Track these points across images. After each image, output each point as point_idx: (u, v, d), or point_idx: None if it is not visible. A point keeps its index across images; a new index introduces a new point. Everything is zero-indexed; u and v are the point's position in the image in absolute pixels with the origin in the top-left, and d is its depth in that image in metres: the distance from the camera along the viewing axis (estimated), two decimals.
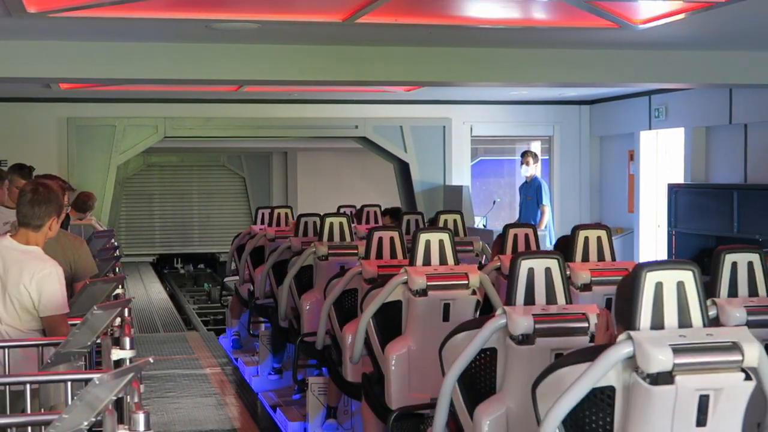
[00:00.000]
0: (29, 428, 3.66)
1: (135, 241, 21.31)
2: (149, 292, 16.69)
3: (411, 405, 4.70)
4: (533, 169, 12.15)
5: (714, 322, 3.48)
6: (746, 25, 7.00)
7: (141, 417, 2.91)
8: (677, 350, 2.61)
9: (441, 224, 6.56)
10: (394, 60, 7.94)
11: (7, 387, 3.89)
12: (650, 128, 11.93)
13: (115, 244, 7.97)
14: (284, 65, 7.84)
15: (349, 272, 5.73)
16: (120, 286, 5.65)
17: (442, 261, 4.93)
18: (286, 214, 9.05)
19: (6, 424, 3.37)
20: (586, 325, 3.52)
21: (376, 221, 8.81)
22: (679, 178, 11.32)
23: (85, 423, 2.70)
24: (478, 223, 12.79)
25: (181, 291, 17.84)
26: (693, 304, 2.78)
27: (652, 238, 12.07)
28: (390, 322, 4.96)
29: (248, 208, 20.31)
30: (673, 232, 10.50)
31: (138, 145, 12.62)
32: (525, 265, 3.65)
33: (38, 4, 6.04)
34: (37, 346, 4.46)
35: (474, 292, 4.73)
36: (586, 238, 4.89)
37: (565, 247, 5.25)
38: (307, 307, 6.66)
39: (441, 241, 4.92)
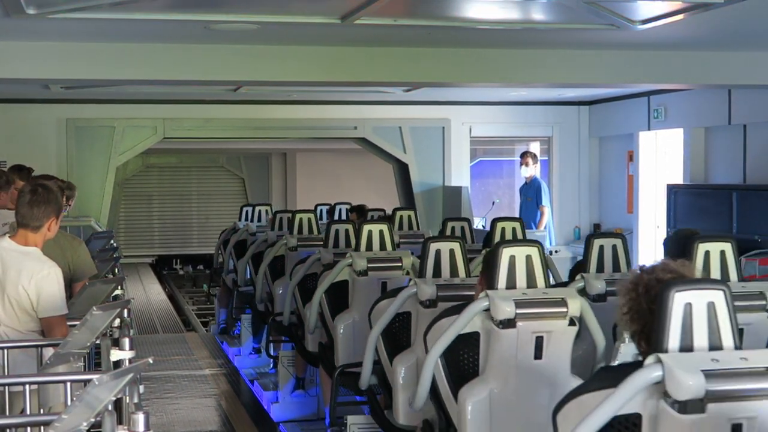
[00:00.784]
0: (29, 429, 3.66)
1: (134, 242, 21.30)
2: (148, 293, 16.69)
3: (351, 363, 5.41)
4: (533, 170, 12.15)
5: None
6: (745, 26, 7.01)
7: (140, 418, 2.92)
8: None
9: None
10: (392, 61, 7.94)
11: (7, 388, 3.89)
12: (649, 129, 11.93)
13: (114, 245, 7.97)
14: (283, 66, 7.84)
15: (309, 258, 6.67)
16: (119, 287, 5.65)
17: (383, 247, 5.90)
18: (266, 210, 10.47)
19: (5, 425, 3.37)
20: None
21: (347, 216, 10.00)
22: (678, 179, 11.32)
23: (85, 424, 2.70)
24: (478, 224, 12.79)
25: (180, 292, 17.83)
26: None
27: (652, 239, 12.07)
28: (340, 298, 5.79)
29: None
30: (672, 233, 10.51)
31: (137, 146, 12.62)
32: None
33: (37, 5, 6.04)
34: (36, 346, 4.46)
35: (408, 273, 5.66)
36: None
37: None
38: (279, 291, 7.53)
39: (381, 231, 5.85)
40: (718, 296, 2.62)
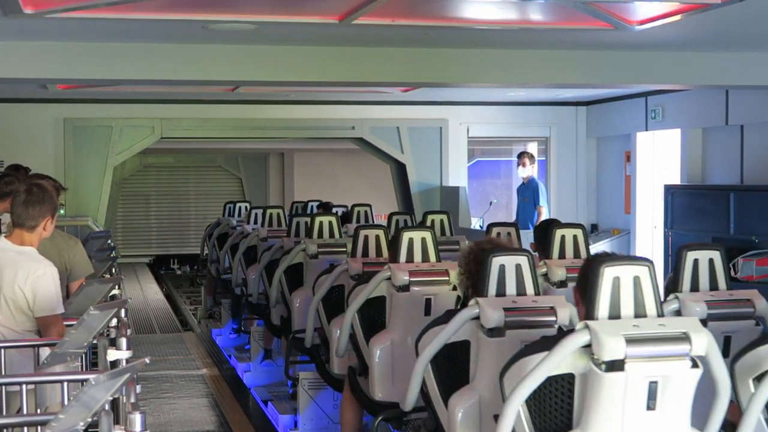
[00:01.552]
0: (25, 429, 3.66)
1: (131, 242, 21.29)
2: (146, 292, 16.68)
3: (301, 329, 5.93)
4: (530, 171, 12.15)
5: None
6: (743, 27, 7.01)
7: (137, 417, 2.92)
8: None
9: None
10: (390, 61, 7.94)
11: (3, 387, 3.89)
12: (647, 129, 11.93)
13: (112, 244, 7.97)
14: (281, 66, 7.84)
15: (273, 248, 7.80)
16: (116, 287, 5.65)
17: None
18: (246, 206, 11.69)
19: (2, 425, 3.37)
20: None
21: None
22: (676, 179, 11.33)
23: (82, 423, 2.70)
24: (475, 224, 12.79)
25: (178, 292, 17.83)
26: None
27: (649, 239, 12.08)
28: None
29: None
30: (670, 233, 10.50)
31: (134, 146, 12.61)
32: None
33: (35, 5, 6.03)
34: (32, 346, 4.46)
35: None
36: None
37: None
38: (252, 276, 8.32)
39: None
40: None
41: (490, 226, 6.57)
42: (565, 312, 3.71)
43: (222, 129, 12.97)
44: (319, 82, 8.43)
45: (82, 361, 4.38)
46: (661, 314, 3.08)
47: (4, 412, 3.91)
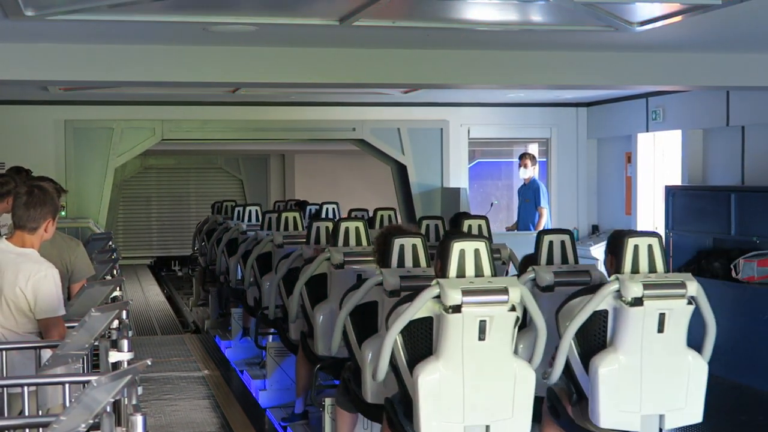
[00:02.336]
0: (27, 430, 3.66)
1: (132, 244, 21.29)
2: (147, 294, 16.68)
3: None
4: (531, 172, 12.15)
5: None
6: (743, 28, 7.01)
7: (138, 419, 2.92)
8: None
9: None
10: (391, 62, 7.94)
11: (5, 389, 3.89)
12: (647, 130, 11.93)
13: (113, 246, 7.98)
14: (281, 68, 7.84)
15: (250, 238, 9.06)
16: (118, 289, 5.65)
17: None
18: (231, 205, 12.36)
19: (4, 426, 3.37)
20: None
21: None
22: (677, 180, 11.33)
23: (83, 425, 2.71)
24: None
25: (179, 293, 17.84)
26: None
27: None
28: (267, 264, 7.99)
29: None
30: (671, 234, 10.50)
31: (135, 148, 12.62)
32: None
33: (36, 7, 6.04)
34: (34, 348, 4.46)
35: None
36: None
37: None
38: (233, 264, 9.70)
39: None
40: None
41: (421, 219, 7.46)
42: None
43: (223, 131, 12.97)
44: (319, 83, 8.42)
45: (83, 363, 4.38)
46: (494, 275, 4.51)
47: (6, 414, 3.91)
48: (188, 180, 21.93)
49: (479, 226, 6.79)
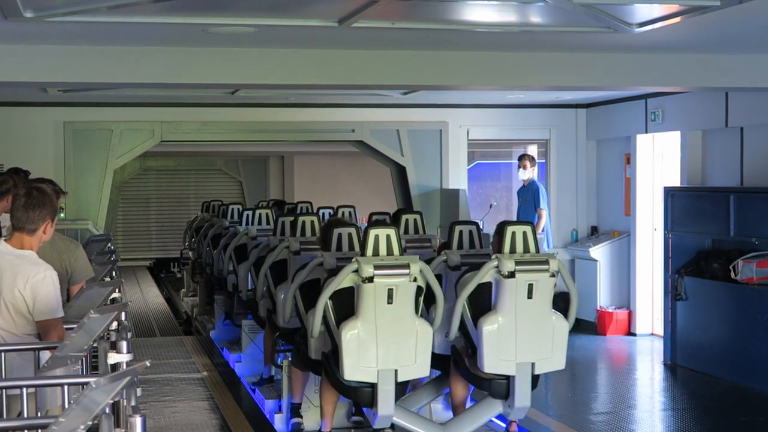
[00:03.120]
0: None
1: (132, 245, 21.30)
2: (146, 296, 16.69)
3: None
4: (530, 173, 12.15)
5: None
6: (742, 29, 7.01)
7: (138, 421, 2.92)
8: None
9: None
10: (390, 64, 7.94)
11: (4, 391, 3.89)
12: (647, 132, 11.93)
13: (112, 248, 7.98)
14: (281, 69, 7.84)
15: (235, 233, 10.00)
16: (117, 290, 5.65)
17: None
18: (218, 204, 13.45)
19: (3, 428, 3.37)
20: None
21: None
22: (676, 182, 11.33)
23: (82, 426, 2.71)
24: None
25: (178, 295, 17.83)
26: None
27: (649, 241, 12.08)
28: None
29: None
30: (670, 235, 10.50)
31: (134, 149, 12.61)
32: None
33: (35, 8, 6.04)
34: (33, 349, 4.46)
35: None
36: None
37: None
38: (218, 256, 10.57)
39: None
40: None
41: (371, 214, 8.79)
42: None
43: (222, 132, 12.97)
44: (319, 85, 8.43)
45: (82, 365, 4.38)
46: (402, 254, 5.95)
47: (5, 416, 3.91)
48: (187, 181, 21.93)
49: (414, 220, 7.99)
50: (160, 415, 7.87)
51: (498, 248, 6.03)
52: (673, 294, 10.35)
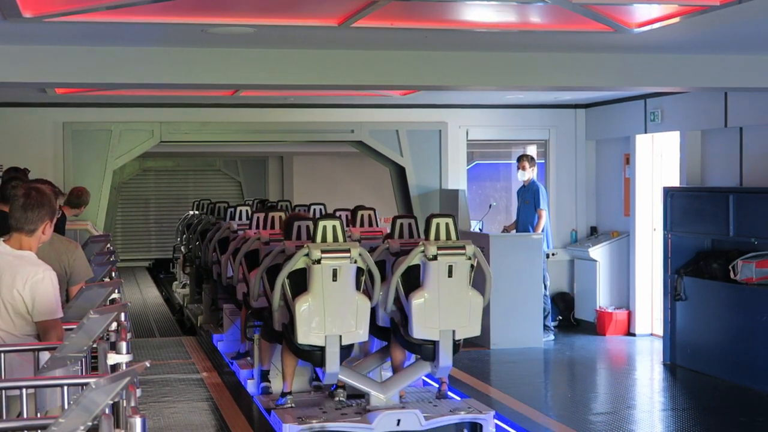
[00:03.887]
0: None
1: (131, 246, 21.29)
2: (145, 296, 16.68)
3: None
4: (530, 174, 12.14)
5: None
6: (741, 29, 7.02)
7: (137, 421, 2.91)
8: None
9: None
10: (390, 64, 7.94)
11: (3, 391, 3.88)
12: (646, 132, 11.93)
13: (111, 248, 7.97)
14: (280, 69, 7.84)
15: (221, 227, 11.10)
16: (116, 291, 5.65)
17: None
18: (206, 203, 14.44)
19: (2, 429, 3.36)
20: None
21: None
22: (675, 182, 11.33)
23: (82, 427, 2.70)
24: (474, 227, 12.78)
25: (171, 287, 17.85)
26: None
27: (648, 241, 12.08)
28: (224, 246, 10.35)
29: None
30: (669, 235, 10.50)
31: (134, 150, 12.61)
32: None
33: (34, 9, 6.03)
34: (32, 350, 4.45)
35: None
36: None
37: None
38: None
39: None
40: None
41: (335, 210, 10.13)
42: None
43: (221, 132, 12.96)
44: (318, 85, 8.42)
45: (82, 365, 4.38)
46: (345, 241, 7.12)
47: (5, 416, 3.91)
48: (187, 182, 21.92)
49: (369, 216, 9.07)
50: (160, 415, 7.86)
51: (426, 236, 7.25)
52: (672, 294, 10.35)
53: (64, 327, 4.66)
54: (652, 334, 12.00)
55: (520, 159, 12.28)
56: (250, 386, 8.58)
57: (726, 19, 6.43)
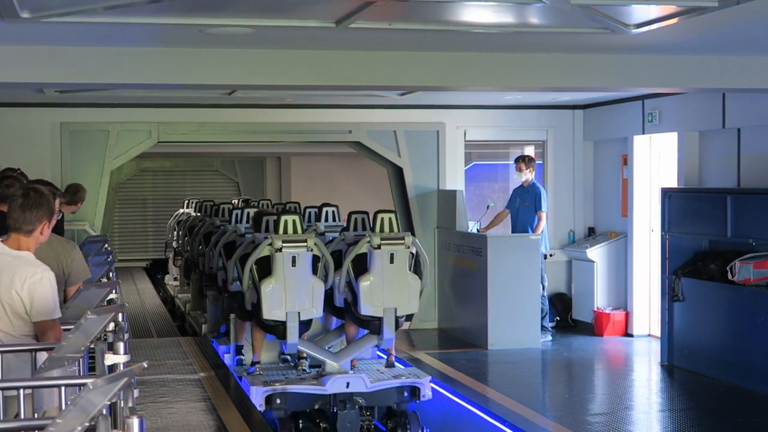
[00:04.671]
0: None
1: (128, 246, 21.28)
2: (143, 297, 16.67)
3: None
4: (528, 174, 12.14)
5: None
6: (739, 30, 7.02)
7: (135, 422, 2.91)
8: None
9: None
10: (387, 65, 7.94)
11: (1, 392, 3.88)
12: (644, 133, 11.94)
13: (109, 249, 7.97)
14: (278, 70, 7.83)
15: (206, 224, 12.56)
16: (114, 291, 5.65)
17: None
18: (197, 201, 15.77)
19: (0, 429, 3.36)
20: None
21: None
22: (673, 183, 11.33)
23: (79, 428, 2.70)
24: (472, 227, 12.78)
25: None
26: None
27: (646, 242, 12.08)
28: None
29: None
30: (667, 236, 10.50)
31: (131, 150, 12.59)
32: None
33: (31, 9, 6.03)
34: (30, 350, 4.45)
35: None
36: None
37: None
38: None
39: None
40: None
41: (322, 205, 10.74)
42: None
43: (219, 133, 12.95)
44: (316, 85, 8.43)
45: (79, 366, 4.38)
46: (303, 233, 8.48)
47: (2, 417, 3.90)
48: (184, 182, 21.91)
49: (333, 212, 10.45)
50: (158, 416, 7.85)
51: (372, 229, 8.56)
52: (670, 295, 10.35)
53: (62, 327, 4.66)
54: (649, 335, 12.00)
55: (516, 160, 12.28)
56: (227, 359, 9.84)
57: (724, 20, 6.43)
